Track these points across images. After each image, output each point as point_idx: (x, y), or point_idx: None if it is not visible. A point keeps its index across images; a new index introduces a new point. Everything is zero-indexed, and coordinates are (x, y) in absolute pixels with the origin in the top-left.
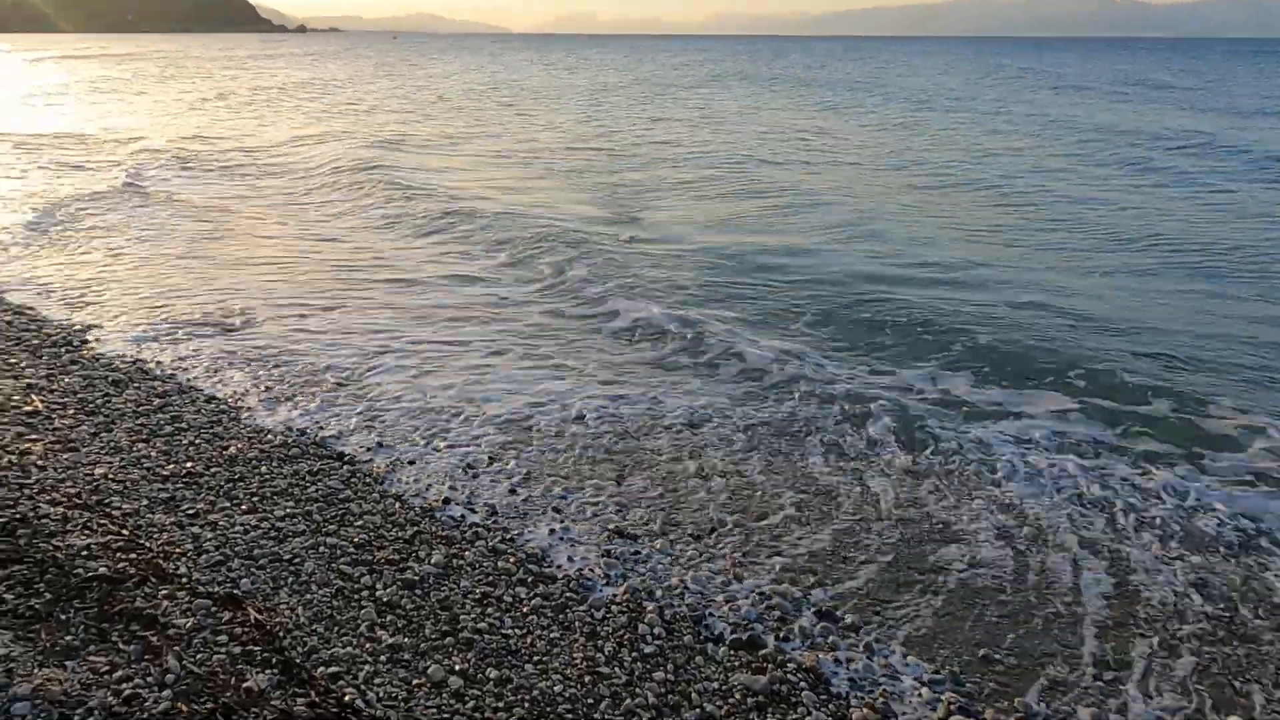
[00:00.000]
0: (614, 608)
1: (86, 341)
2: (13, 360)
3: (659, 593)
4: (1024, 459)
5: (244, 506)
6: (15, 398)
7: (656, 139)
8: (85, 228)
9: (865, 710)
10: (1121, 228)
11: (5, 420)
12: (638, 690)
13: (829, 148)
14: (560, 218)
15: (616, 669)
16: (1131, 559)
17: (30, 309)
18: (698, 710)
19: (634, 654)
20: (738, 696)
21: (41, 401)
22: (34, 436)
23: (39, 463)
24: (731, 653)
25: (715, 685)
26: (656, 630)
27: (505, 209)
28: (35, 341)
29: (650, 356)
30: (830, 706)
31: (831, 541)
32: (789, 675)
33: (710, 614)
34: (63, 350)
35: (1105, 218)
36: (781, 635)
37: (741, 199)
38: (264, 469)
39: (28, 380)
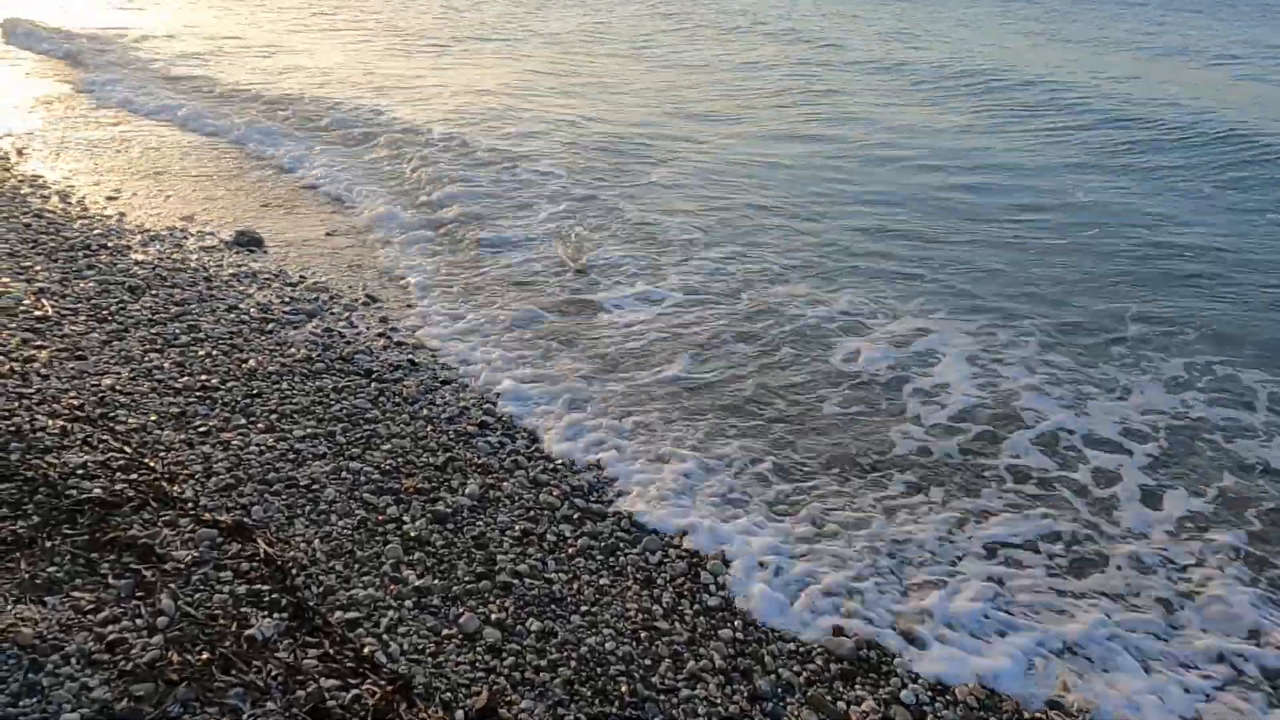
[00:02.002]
0: (672, 551)
1: (106, 247)
2: (27, 264)
3: (725, 534)
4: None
5: (260, 425)
6: (25, 302)
7: None
8: (114, 131)
9: (971, 684)
10: None
11: (12, 325)
12: (701, 651)
13: None
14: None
15: (677, 624)
16: None
17: (51, 212)
18: (772, 676)
19: (696, 607)
20: (819, 662)
21: (52, 306)
22: (40, 343)
23: (42, 371)
24: (808, 608)
25: (791, 647)
26: (721, 579)
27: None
28: (52, 245)
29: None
30: (929, 680)
31: (927, 482)
32: (878, 638)
33: (784, 562)
34: (80, 255)
35: None
36: (866, 588)
37: None
38: (284, 385)
39: (40, 285)
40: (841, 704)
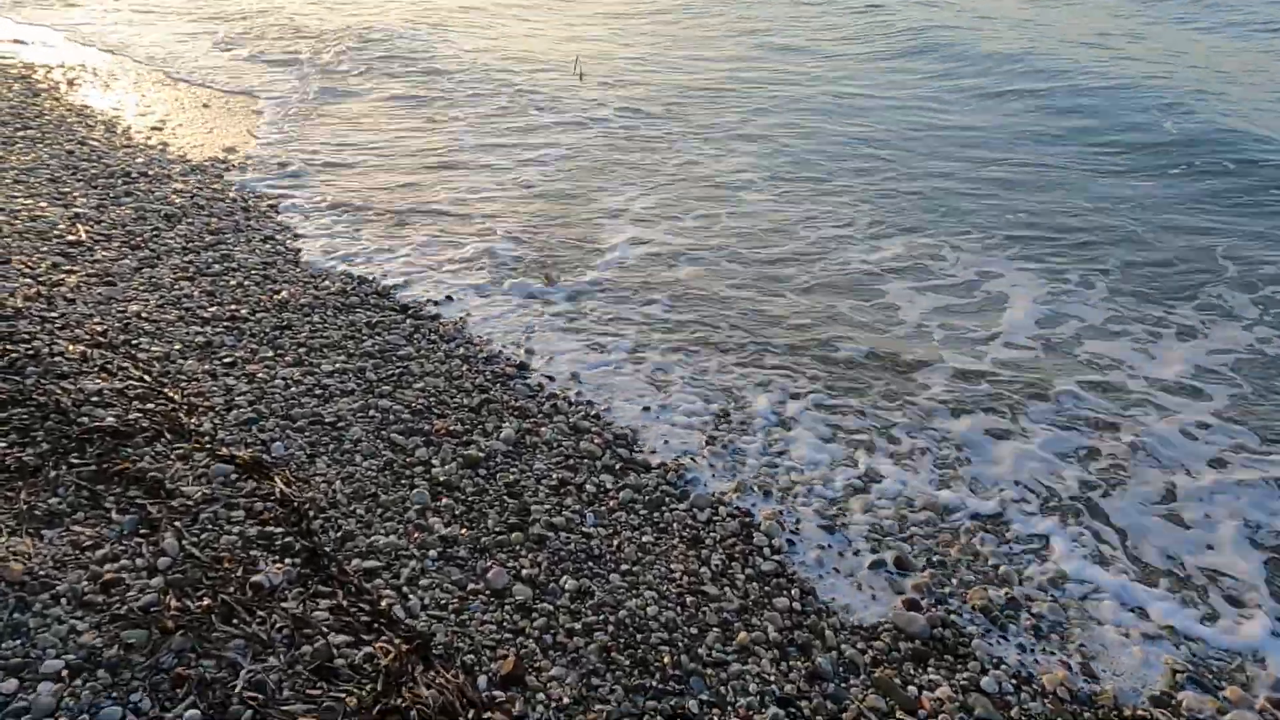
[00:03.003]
0: (722, 509)
1: (146, 175)
2: (65, 189)
3: (778, 493)
4: None
5: (288, 358)
6: (60, 226)
7: None
8: (165, 66)
9: (1059, 672)
10: None
11: (44, 249)
12: (754, 621)
13: None
14: None
15: (727, 590)
16: None
17: (95, 141)
18: (833, 653)
19: (748, 571)
20: (886, 640)
21: (86, 232)
22: (70, 268)
23: (69, 295)
24: (874, 577)
25: (855, 620)
26: (776, 541)
27: None
28: (93, 172)
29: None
30: (1012, 663)
31: (1004, 426)
32: (953, 614)
33: (843, 523)
34: (119, 182)
35: None
36: (935, 560)
37: None
38: (316, 318)
39: (76, 210)
40: (913, 689)
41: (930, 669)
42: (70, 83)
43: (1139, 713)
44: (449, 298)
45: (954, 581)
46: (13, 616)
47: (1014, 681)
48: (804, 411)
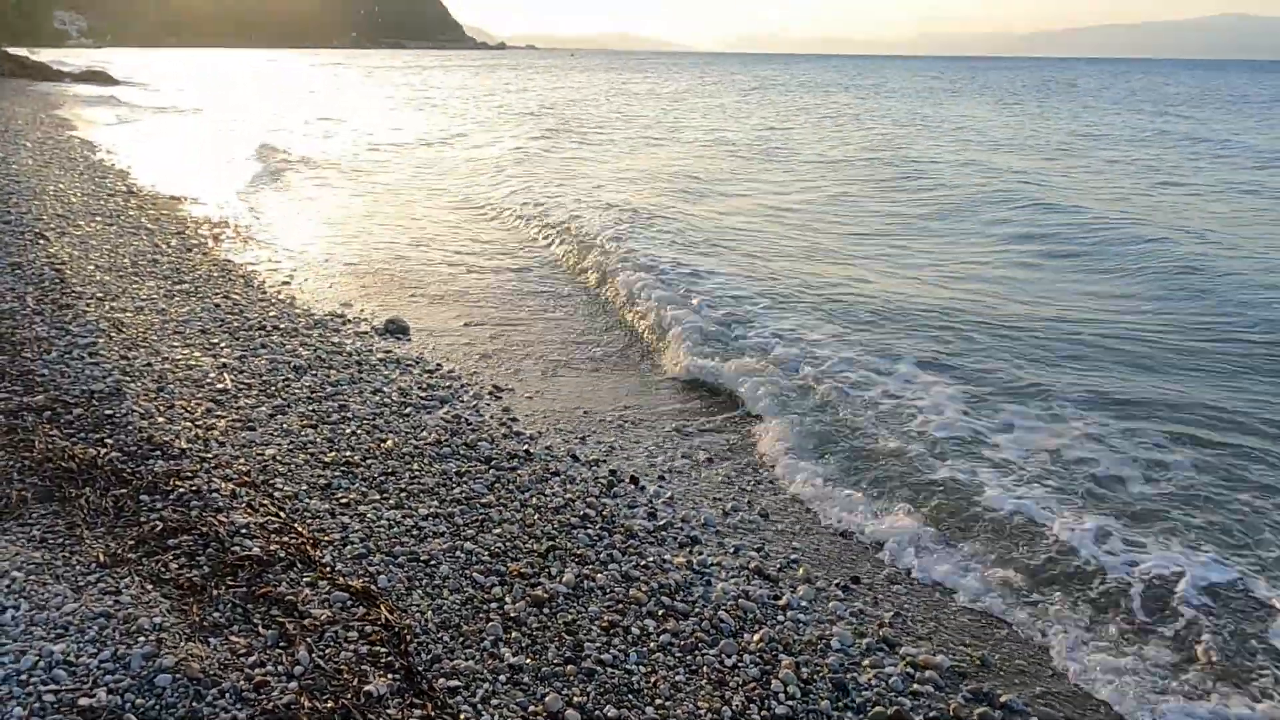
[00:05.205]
0: (746, 656)
1: (278, 328)
2: (214, 340)
3: (797, 646)
4: None
5: (391, 501)
6: (211, 375)
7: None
8: (291, 224)
9: None
10: None
11: (200, 396)
12: None
13: None
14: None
15: None
16: None
17: (237, 294)
18: None
19: (764, 713)
20: None
21: (232, 380)
22: (220, 413)
23: (220, 439)
24: None
25: None
26: (791, 689)
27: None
28: (235, 324)
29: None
30: None
31: (997, 608)
32: None
33: (853, 679)
34: (256, 335)
35: None
36: (931, 717)
37: None
38: (415, 466)
39: (223, 360)
40: None
41: None
42: (215, 238)
43: None
44: (527, 452)
45: None
46: (192, 705)
47: None
48: (824, 574)
